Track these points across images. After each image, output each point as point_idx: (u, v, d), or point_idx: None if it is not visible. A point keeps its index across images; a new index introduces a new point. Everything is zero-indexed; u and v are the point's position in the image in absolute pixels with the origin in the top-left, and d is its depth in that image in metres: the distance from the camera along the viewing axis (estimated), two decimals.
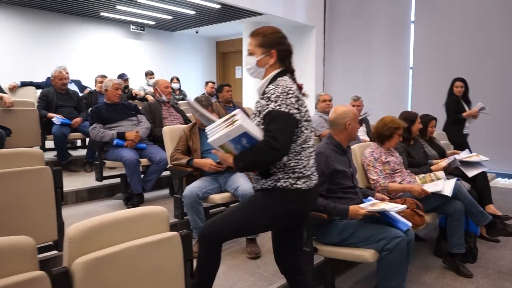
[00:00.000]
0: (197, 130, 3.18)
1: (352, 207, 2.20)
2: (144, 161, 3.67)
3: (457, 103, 5.02)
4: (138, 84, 7.25)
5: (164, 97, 4.18)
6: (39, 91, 5.15)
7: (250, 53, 1.81)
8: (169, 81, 4.88)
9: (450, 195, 2.84)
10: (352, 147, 3.07)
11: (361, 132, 4.83)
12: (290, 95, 1.67)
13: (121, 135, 3.67)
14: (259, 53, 1.78)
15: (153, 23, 9.17)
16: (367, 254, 2.17)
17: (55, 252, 2.37)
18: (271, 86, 1.71)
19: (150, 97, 5.95)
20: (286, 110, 1.64)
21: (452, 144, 4.80)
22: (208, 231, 1.77)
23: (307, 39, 8.13)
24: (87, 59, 8.50)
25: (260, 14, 7.42)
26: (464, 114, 4.97)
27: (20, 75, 6.03)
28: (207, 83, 7.33)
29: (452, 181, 2.95)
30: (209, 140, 1.68)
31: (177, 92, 7.17)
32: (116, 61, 8.88)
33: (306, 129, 1.75)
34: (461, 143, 4.82)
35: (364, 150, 3.11)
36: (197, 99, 3.33)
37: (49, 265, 2.26)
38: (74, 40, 8.47)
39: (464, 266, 2.92)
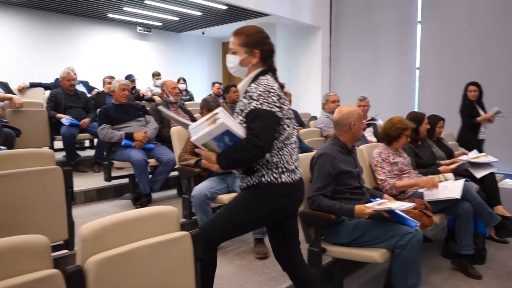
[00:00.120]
0: None
1: (357, 207, 2.19)
2: (152, 162, 3.69)
3: (471, 107, 4.92)
4: (145, 85, 7.30)
5: (171, 98, 4.21)
6: (47, 92, 5.20)
7: (233, 52, 1.81)
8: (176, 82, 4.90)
9: (459, 197, 2.81)
10: (359, 147, 3.06)
11: (368, 133, 4.82)
12: (272, 94, 1.69)
13: (129, 136, 3.70)
14: (242, 52, 1.79)
15: (159, 24, 9.21)
16: (376, 254, 2.16)
17: (65, 251, 2.40)
18: (253, 85, 1.72)
19: (157, 98, 5.99)
20: (268, 108, 1.66)
21: (467, 150, 4.62)
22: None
23: (313, 40, 8.12)
24: (95, 60, 8.57)
25: (266, 14, 7.44)
26: (478, 118, 4.87)
27: (29, 76, 6.10)
28: (213, 84, 7.35)
29: (461, 182, 2.91)
30: (192, 139, 1.69)
31: (184, 93, 7.20)
32: (123, 62, 8.94)
33: (288, 126, 1.78)
34: (476, 149, 4.68)
35: (371, 150, 3.11)
36: (205, 100, 3.36)
37: (60, 264, 2.27)
38: (82, 41, 8.55)
39: (473, 267, 2.91)
